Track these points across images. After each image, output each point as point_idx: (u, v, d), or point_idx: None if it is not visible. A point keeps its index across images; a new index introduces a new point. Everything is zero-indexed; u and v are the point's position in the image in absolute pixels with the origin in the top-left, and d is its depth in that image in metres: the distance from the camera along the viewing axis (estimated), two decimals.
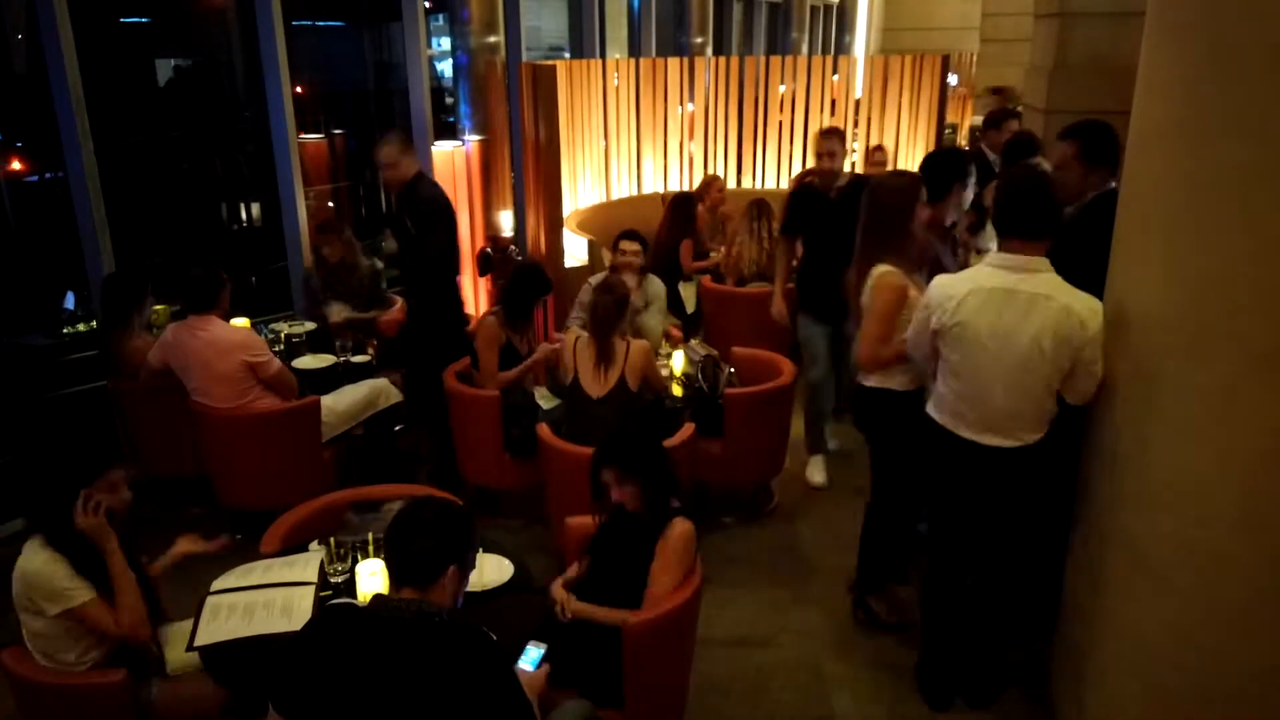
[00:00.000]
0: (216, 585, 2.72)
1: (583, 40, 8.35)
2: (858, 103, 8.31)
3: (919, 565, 3.45)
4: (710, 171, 8.02)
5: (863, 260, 3.35)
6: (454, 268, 4.58)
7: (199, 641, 2.50)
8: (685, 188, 7.76)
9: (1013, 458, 2.80)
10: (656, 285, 5.09)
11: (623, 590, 2.67)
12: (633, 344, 3.90)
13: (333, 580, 2.73)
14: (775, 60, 8.17)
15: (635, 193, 7.71)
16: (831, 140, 4.71)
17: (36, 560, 2.48)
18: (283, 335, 4.79)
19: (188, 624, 2.71)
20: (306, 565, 2.79)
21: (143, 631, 2.56)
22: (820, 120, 8.16)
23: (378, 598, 1.99)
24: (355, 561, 2.73)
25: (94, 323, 5.17)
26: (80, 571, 2.48)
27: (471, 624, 1.97)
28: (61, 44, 4.37)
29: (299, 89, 5.63)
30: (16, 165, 6.51)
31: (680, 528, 2.67)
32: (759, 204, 5.93)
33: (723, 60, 8.14)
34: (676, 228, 6.12)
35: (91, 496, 2.50)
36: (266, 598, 2.66)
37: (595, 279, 4.82)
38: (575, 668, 2.64)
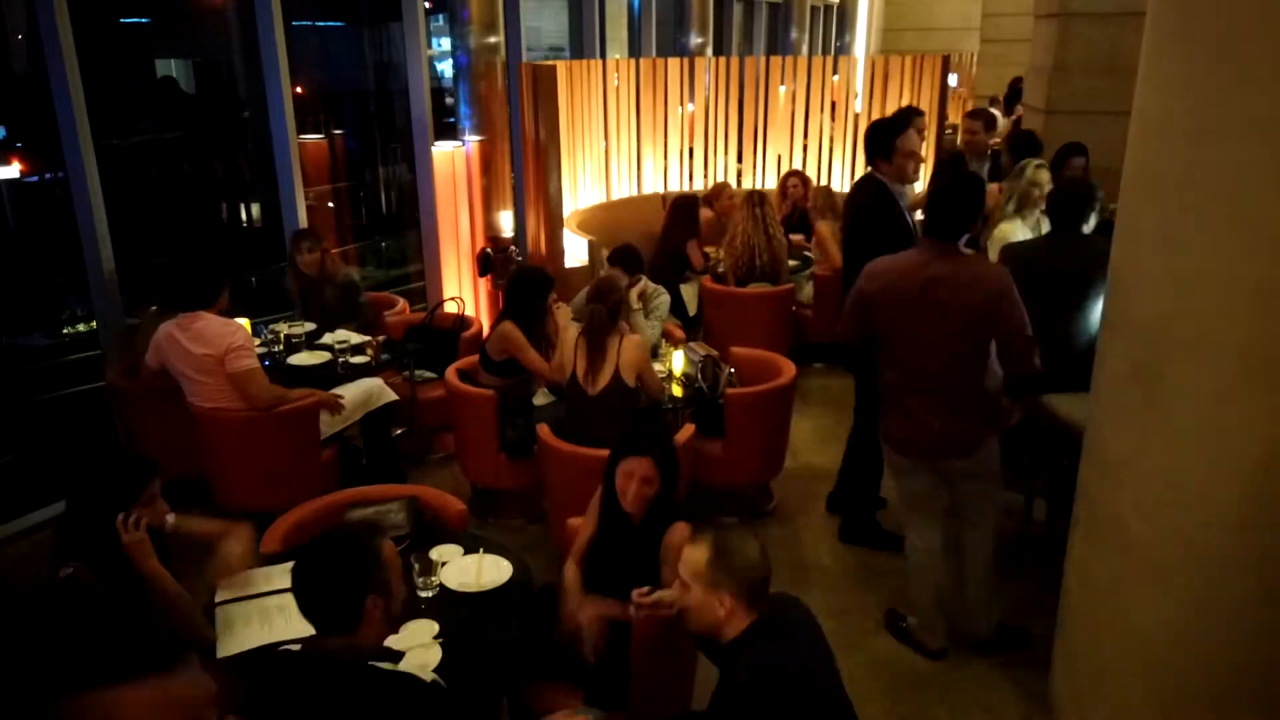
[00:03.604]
0: (219, 597, 2.66)
1: (583, 40, 8.36)
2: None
3: None
4: (712, 172, 8.03)
5: None
6: None
7: (222, 653, 2.46)
8: (685, 188, 7.76)
9: None
10: (660, 297, 5.07)
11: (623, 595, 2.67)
12: (625, 340, 3.89)
13: None
14: (775, 60, 8.17)
15: (635, 193, 7.71)
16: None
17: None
18: (282, 335, 4.79)
19: None
20: None
21: (209, 636, 2.48)
22: (821, 120, 8.17)
23: (309, 644, 1.93)
24: None
25: (94, 323, 5.17)
26: (102, 579, 2.42)
27: (407, 674, 1.89)
28: (61, 44, 4.37)
29: (299, 89, 5.63)
30: (16, 165, 6.51)
31: (684, 530, 2.65)
32: (758, 195, 5.91)
33: (723, 60, 8.14)
34: (681, 229, 6.11)
35: (132, 513, 2.48)
36: (279, 602, 2.62)
37: (605, 272, 4.82)
38: (576, 667, 2.65)
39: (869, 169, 3.96)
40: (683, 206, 6.22)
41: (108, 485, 2.53)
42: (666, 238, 6.18)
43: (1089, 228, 3.73)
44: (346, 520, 3.00)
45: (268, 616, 2.57)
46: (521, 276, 4.58)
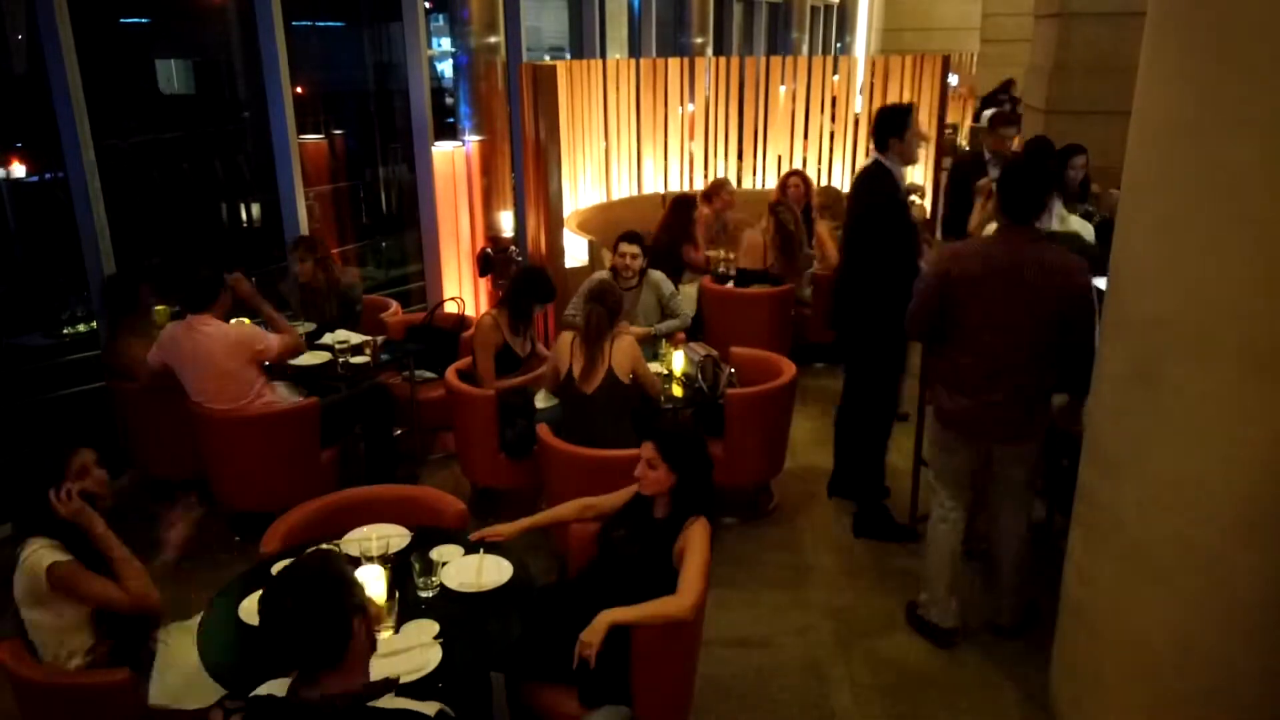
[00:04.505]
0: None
1: (583, 40, 8.36)
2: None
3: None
4: (712, 173, 8.03)
5: None
6: None
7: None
8: (686, 188, 7.75)
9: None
10: (658, 277, 5.10)
11: (631, 583, 2.67)
12: (616, 341, 3.90)
13: None
14: (775, 60, 8.17)
15: (635, 193, 7.70)
16: None
17: (35, 550, 2.54)
18: None
19: (188, 623, 2.70)
20: None
21: (153, 596, 2.61)
22: (821, 120, 8.16)
23: (294, 693, 1.86)
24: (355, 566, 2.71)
25: (94, 323, 5.17)
26: (70, 550, 2.55)
27: (414, 712, 1.86)
28: (61, 44, 4.37)
29: (299, 89, 5.62)
30: (17, 165, 6.51)
31: (705, 526, 2.69)
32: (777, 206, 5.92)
33: (723, 60, 8.14)
34: (677, 231, 6.09)
35: (63, 486, 2.58)
36: None
37: (599, 274, 4.83)
38: (576, 666, 2.65)
39: (876, 155, 3.98)
40: (679, 206, 6.19)
41: (33, 468, 2.64)
42: (662, 237, 6.16)
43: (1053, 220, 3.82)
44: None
45: None
46: (530, 273, 4.64)
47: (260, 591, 2.55)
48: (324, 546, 2.82)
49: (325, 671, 1.82)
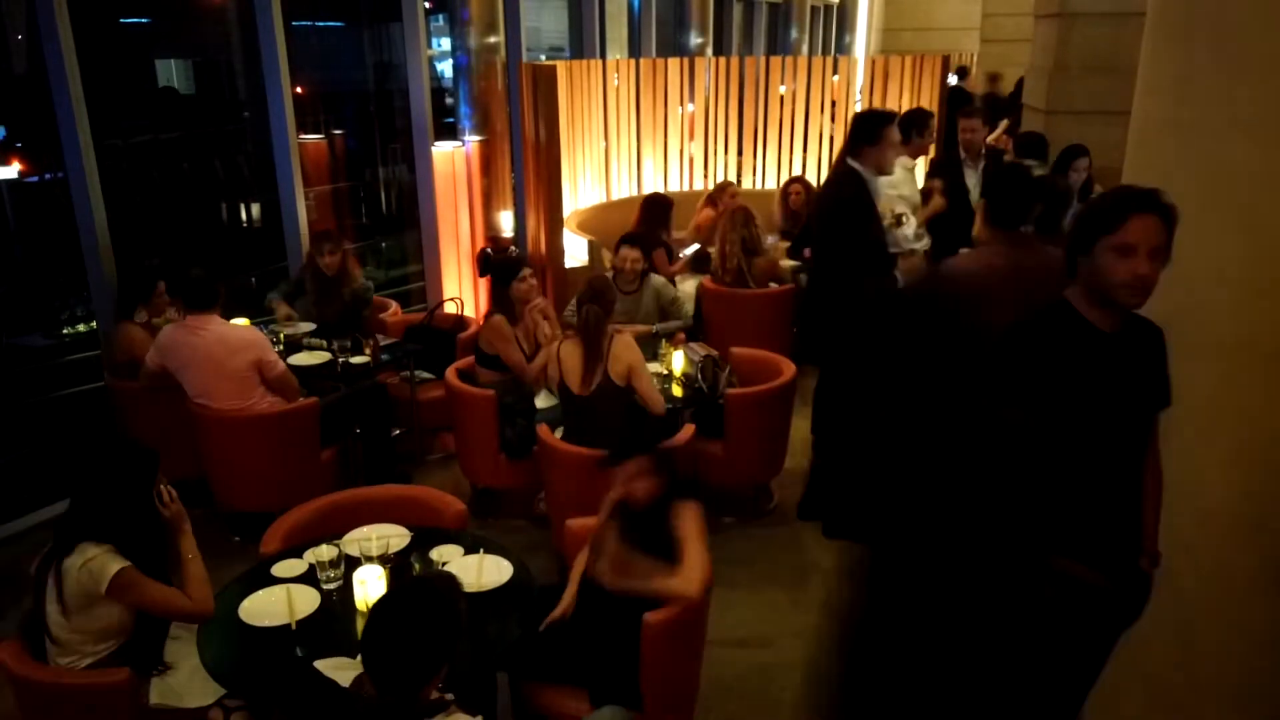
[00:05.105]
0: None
1: (583, 40, 8.35)
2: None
3: None
4: (712, 173, 8.02)
5: None
6: None
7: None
8: (686, 188, 7.75)
9: None
10: (659, 282, 5.08)
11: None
12: (617, 338, 3.89)
13: (325, 588, 2.69)
14: (775, 60, 8.17)
15: (635, 193, 7.70)
16: None
17: (96, 555, 2.47)
18: (282, 335, 4.79)
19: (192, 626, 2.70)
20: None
21: (211, 603, 2.59)
22: (821, 121, 8.16)
23: (358, 685, 1.86)
24: (349, 568, 2.70)
25: (94, 323, 5.17)
26: (125, 554, 2.50)
27: None
28: (61, 44, 4.37)
29: (299, 89, 5.63)
30: (16, 165, 6.52)
31: (692, 506, 2.70)
32: (744, 212, 5.84)
33: (723, 60, 8.14)
34: (648, 235, 5.97)
35: (161, 489, 2.60)
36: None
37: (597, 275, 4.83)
38: (582, 666, 2.65)
39: (847, 159, 3.96)
40: (651, 207, 6.09)
41: (129, 467, 2.59)
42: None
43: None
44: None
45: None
46: (494, 265, 4.68)
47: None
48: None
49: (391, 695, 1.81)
